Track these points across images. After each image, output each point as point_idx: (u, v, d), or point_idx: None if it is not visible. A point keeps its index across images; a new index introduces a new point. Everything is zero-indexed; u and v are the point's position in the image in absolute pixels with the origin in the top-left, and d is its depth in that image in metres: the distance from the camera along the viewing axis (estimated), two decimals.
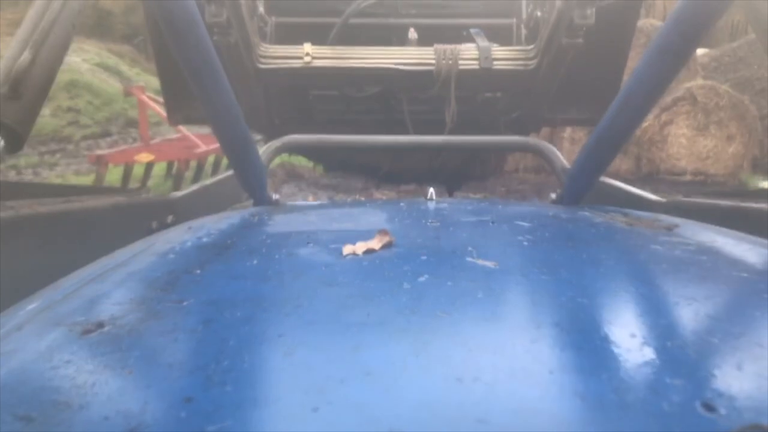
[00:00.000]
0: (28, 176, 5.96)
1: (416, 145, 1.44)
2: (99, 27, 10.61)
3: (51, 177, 5.97)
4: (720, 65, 6.87)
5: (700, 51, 6.47)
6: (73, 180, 5.93)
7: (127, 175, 5.47)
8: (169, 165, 6.11)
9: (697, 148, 5.88)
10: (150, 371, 0.36)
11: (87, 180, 5.80)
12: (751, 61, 6.47)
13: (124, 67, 10.42)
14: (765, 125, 5.87)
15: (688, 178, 5.74)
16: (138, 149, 5.51)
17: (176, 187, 5.27)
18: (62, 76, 7.66)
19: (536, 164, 5.02)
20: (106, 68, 9.62)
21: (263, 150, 1.17)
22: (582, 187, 0.96)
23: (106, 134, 7.94)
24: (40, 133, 6.75)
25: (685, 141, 5.88)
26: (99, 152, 5.57)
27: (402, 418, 0.30)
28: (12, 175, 5.98)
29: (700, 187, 5.02)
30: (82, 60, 9.26)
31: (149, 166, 5.73)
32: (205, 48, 0.69)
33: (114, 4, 11.31)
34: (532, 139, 1.30)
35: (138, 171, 5.64)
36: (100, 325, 0.42)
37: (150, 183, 5.78)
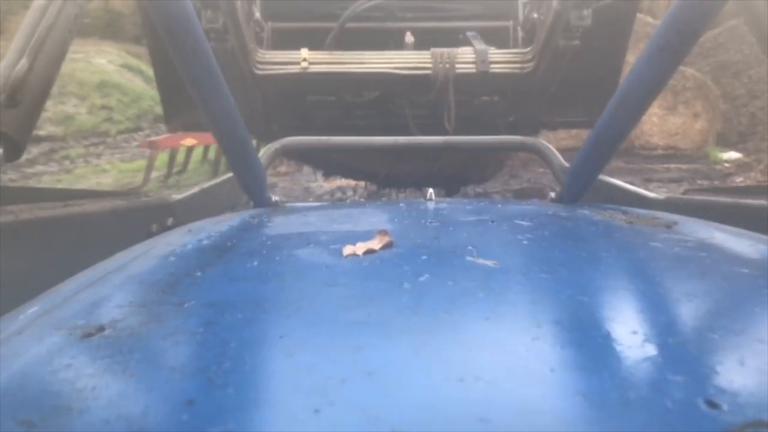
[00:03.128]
0: (80, 165, 6.48)
1: (415, 145, 1.44)
2: (110, 28, 10.89)
3: (102, 163, 6.60)
4: (702, 50, 7.18)
5: None
6: (121, 166, 6.51)
7: (172, 159, 6.10)
8: (205, 150, 6.84)
9: (667, 125, 6.45)
10: (151, 374, 0.36)
11: (134, 166, 6.50)
12: (729, 47, 6.79)
13: (144, 67, 10.89)
14: (737, 105, 6.28)
15: (660, 152, 6.06)
16: (182, 135, 6.04)
17: (215, 170, 5.97)
18: (93, 77, 8.52)
19: None
20: (129, 69, 10.17)
21: (262, 152, 1.17)
22: (581, 185, 0.96)
23: (138, 129, 8.63)
24: (81, 129, 7.37)
25: (656, 119, 6.37)
26: (151, 138, 6.33)
27: (404, 418, 0.30)
28: (67, 164, 6.52)
29: (670, 160, 5.28)
30: (108, 62, 9.93)
31: (189, 150, 6.38)
32: (203, 50, 0.70)
33: (124, 5, 11.55)
34: (530, 139, 1.30)
35: (179, 157, 6.29)
36: (101, 328, 0.42)
37: (189, 167, 6.47)
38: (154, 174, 5.76)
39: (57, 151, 6.82)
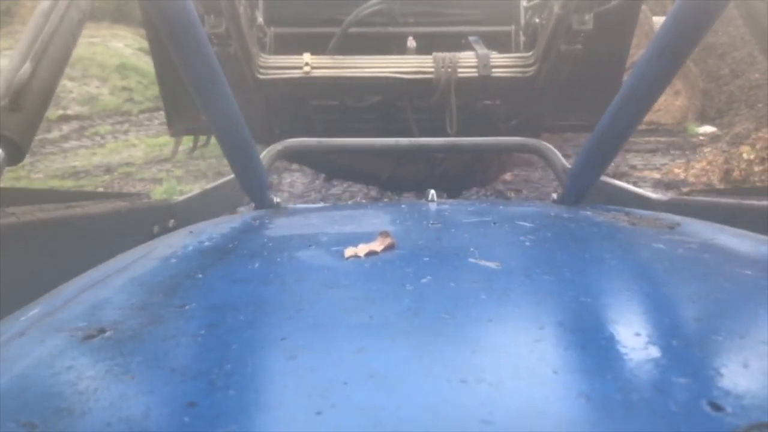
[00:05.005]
0: (110, 141, 6.91)
1: (417, 147, 1.44)
2: (119, 12, 11.23)
3: (130, 139, 7.04)
4: None
5: None
6: (148, 141, 6.86)
7: (196, 137, 6.30)
8: None
9: None
10: (152, 376, 0.36)
11: (159, 141, 6.83)
12: (717, 29, 7.07)
13: None
14: (719, 84, 6.68)
15: (643, 127, 6.57)
16: None
17: None
18: (112, 60, 9.07)
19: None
20: (146, 52, 10.94)
21: (264, 154, 1.17)
22: (583, 186, 0.96)
23: (158, 109, 9.78)
24: (105, 109, 7.88)
25: None
26: None
27: (406, 421, 0.30)
28: (98, 140, 6.90)
29: (651, 134, 5.60)
30: (125, 45, 10.68)
31: None
32: (205, 51, 0.70)
33: None
34: (531, 140, 1.31)
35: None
36: (102, 330, 0.42)
37: (212, 141, 6.81)
38: (180, 147, 6.08)
39: (86, 129, 7.22)
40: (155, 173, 5.36)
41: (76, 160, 5.96)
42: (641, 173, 4.37)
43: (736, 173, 3.50)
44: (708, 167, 4.00)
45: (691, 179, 3.90)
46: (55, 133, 6.77)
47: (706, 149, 4.96)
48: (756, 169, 3.38)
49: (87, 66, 8.64)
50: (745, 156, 3.54)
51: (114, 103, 8.25)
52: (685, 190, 3.76)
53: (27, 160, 5.78)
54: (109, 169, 5.55)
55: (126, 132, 7.39)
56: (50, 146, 6.32)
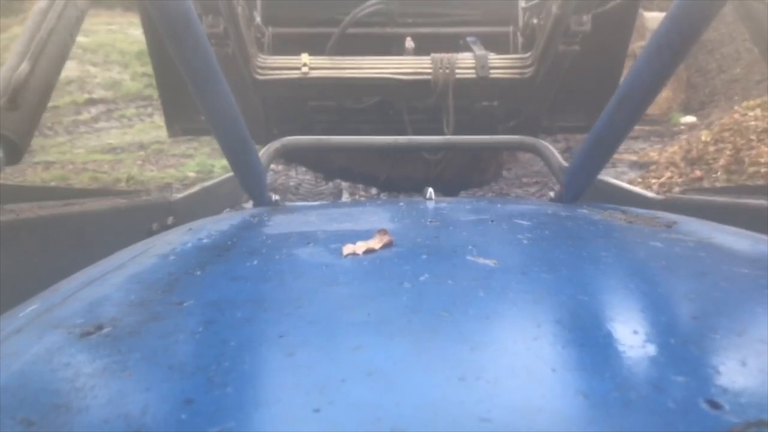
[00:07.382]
0: (136, 122, 7.20)
1: (415, 145, 1.44)
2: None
3: (156, 120, 7.29)
4: None
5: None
6: None
7: None
8: None
9: None
10: (150, 373, 0.36)
11: None
12: (710, 26, 7.32)
13: None
14: (706, 78, 7.02)
15: None
16: None
17: None
18: (132, 47, 9.32)
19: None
20: None
21: (263, 152, 1.17)
22: (580, 185, 0.96)
23: None
24: (128, 93, 8.16)
25: None
26: None
27: (404, 418, 0.30)
28: (125, 122, 7.17)
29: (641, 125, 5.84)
30: (142, 33, 10.97)
31: None
32: (203, 49, 0.69)
33: None
34: (529, 138, 1.31)
35: None
36: (100, 327, 0.42)
37: None
38: None
39: (113, 111, 7.52)
40: (185, 150, 5.57)
41: (110, 139, 6.23)
42: (620, 156, 4.69)
43: (693, 153, 3.92)
44: (678, 150, 4.34)
45: (662, 161, 4.26)
46: (85, 115, 7.04)
47: (683, 136, 5.30)
48: (710, 149, 3.82)
49: (108, 52, 8.88)
50: (703, 138, 3.97)
51: (136, 87, 8.51)
52: (652, 168, 4.14)
53: (66, 137, 5.87)
54: (142, 146, 5.78)
55: (150, 115, 7.65)
56: (83, 126, 6.63)
